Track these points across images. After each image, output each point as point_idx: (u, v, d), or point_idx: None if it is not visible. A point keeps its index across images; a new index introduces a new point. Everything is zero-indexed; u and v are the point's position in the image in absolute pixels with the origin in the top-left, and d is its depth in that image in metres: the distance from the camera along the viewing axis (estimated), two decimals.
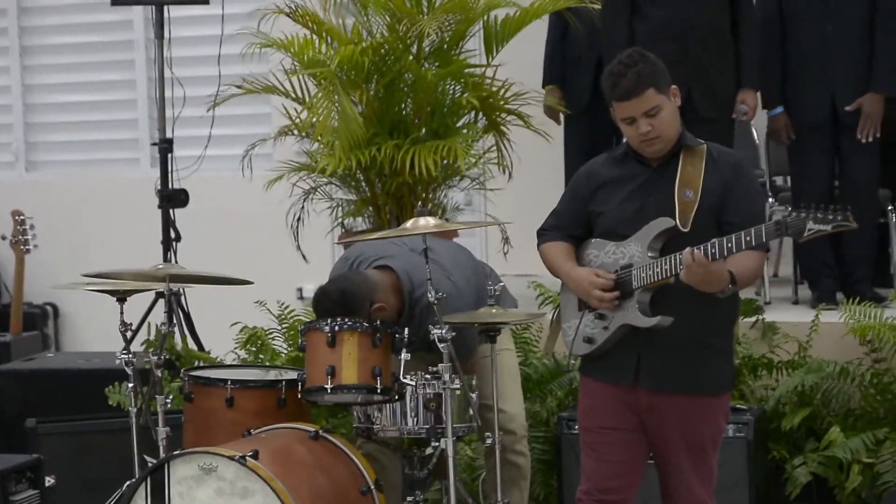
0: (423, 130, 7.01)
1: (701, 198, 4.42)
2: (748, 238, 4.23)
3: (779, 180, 7.74)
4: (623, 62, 4.46)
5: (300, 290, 9.12)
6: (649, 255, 4.43)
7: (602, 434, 4.59)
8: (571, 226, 4.67)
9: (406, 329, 5.14)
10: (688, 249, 4.27)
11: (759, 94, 6.82)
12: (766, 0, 6.89)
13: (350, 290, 5.15)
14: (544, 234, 4.74)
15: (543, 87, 7.48)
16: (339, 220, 7.33)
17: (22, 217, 8.37)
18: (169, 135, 7.83)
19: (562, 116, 7.54)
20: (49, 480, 5.55)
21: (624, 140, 4.63)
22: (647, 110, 4.41)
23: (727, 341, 4.57)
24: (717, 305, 4.40)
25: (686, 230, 4.39)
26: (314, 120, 6.94)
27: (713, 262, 4.25)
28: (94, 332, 9.36)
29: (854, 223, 4.13)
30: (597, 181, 4.61)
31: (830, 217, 4.12)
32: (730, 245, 4.24)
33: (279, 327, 6.73)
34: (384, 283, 5.24)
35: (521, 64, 7.30)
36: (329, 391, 5.08)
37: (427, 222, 5.10)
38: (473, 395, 5.14)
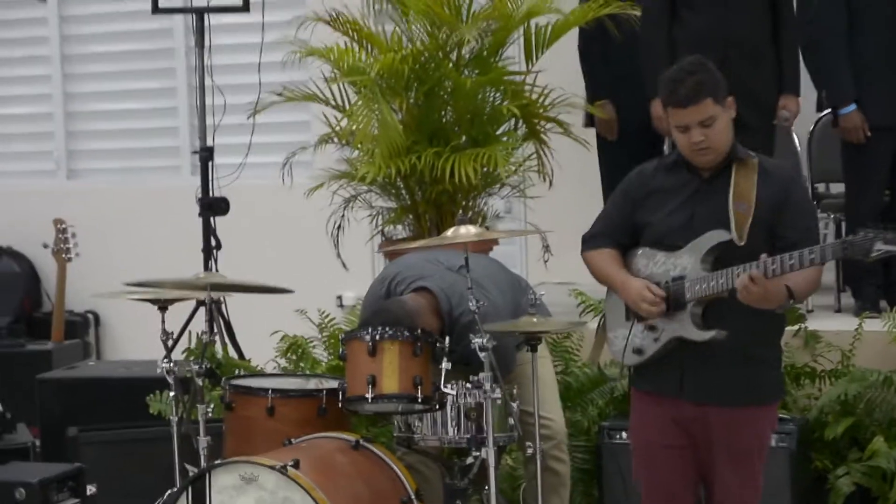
0: (463, 138, 6.98)
1: (755, 211, 4.38)
2: (812, 256, 4.20)
3: (821, 187, 7.68)
4: (684, 69, 4.44)
5: (340, 297, 9.11)
6: (702, 267, 4.41)
7: (651, 451, 4.60)
8: (620, 233, 4.63)
9: (447, 338, 5.13)
10: (746, 273, 4.24)
11: (799, 99, 6.77)
12: None
13: (392, 323, 5.14)
14: (592, 239, 4.69)
15: (591, 102, 7.31)
16: (380, 227, 7.32)
17: (64, 225, 8.41)
18: (210, 143, 7.85)
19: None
20: (90, 489, 5.57)
21: (675, 147, 4.60)
22: (702, 120, 4.39)
23: (774, 351, 4.54)
24: (764, 316, 4.37)
25: (742, 243, 4.36)
26: (354, 128, 6.93)
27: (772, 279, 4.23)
28: (134, 340, 9.38)
29: None
30: (647, 188, 4.58)
31: None
32: (792, 262, 4.21)
33: (319, 336, 6.73)
34: (423, 308, 5.24)
35: (561, 70, 7.27)
36: (370, 400, 5.07)
37: (468, 230, 5.10)
38: (514, 405, 5.13)
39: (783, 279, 4.26)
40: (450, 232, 5.17)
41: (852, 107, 6.70)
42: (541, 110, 7.12)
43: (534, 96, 7.11)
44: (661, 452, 4.56)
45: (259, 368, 6.76)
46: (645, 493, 4.66)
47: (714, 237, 4.40)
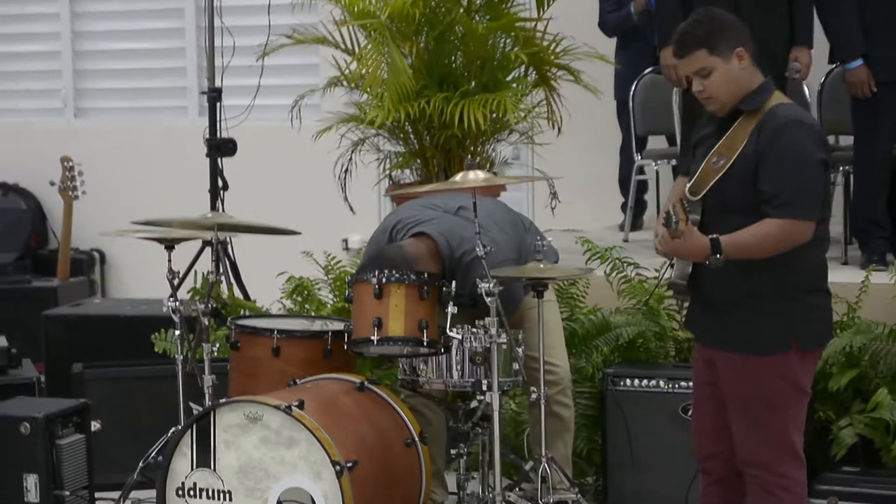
0: (473, 84, 6.97)
1: (733, 165, 4.39)
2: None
3: (831, 140, 7.65)
4: (688, 21, 4.52)
5: (346, 241, 9.12)
6: (693, 215, 4.49)
7: (695, 390, 4.73)
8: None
9: (453, 282, 5.14)
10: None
11: (812, 51, 6.73)
12: None
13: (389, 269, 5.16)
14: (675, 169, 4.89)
15: (665, 46, 7.07)
16: (387, 171, 7.31)
17: (70, 163, 8.41)
18: (218, 84, 7.82)
19: None
20: (95, 425, 5.58)
21: None
22: (696, 70, 4.45)
23: (781, 302, 4.48)
24: (760, 265, 4.37)
25: (695, 198, 4.43)
26: (363, 71, 6.91)
27: (677, 233, 4.27)
28: (139, 279, 9.41)
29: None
30: (696, 138, 4.68)
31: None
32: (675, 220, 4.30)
33: (325, 278, 6.73)
34: (422, 253, 5.24)
35: (572, 18, 7.25)
36: (375, 343, 5.09)
37: (476, 176, 5.09)
38: (519, 350, 5.14)
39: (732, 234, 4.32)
40: (458, 177, 5.16)
41: (859, 61, 6.69)
42: (552, 57, 7.09)
43: (545, 43, 7.09)
44: (698, 389, 4.69)
45: (264, 309, 6.77)
46: (695, 433, 4.74)
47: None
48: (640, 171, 8.06)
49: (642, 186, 8.23)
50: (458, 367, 5.14)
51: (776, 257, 4.39)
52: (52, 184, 8.46)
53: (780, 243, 4.36)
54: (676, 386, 5.70)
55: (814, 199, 4.39)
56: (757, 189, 4.36)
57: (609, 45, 7.86)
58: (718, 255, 4.30)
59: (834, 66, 7.26)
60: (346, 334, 5.26)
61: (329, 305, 6.56)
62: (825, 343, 4.72)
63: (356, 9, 7.02)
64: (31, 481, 5.30)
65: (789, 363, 4.48)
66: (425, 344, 5.08)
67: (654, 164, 7.95)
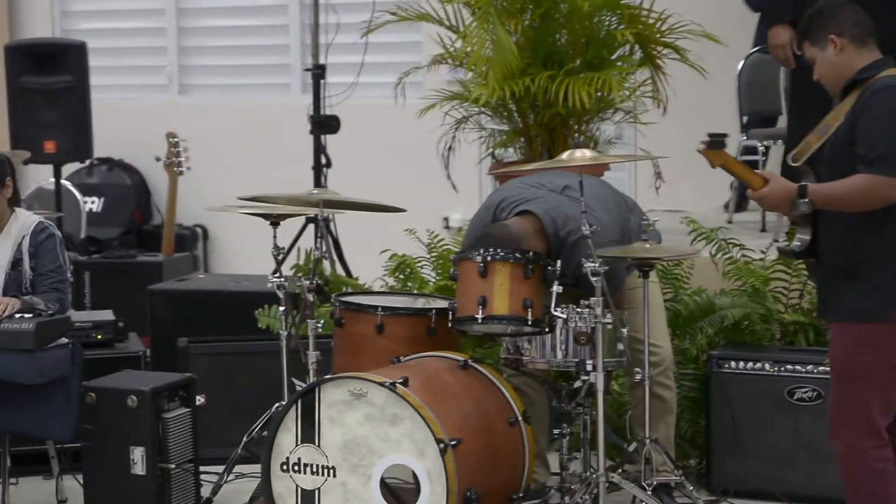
0: (578, 62, 6.91)
1: (833, 135, 4.50)
2: None
3: None
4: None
5: (446, 219, 9.12)
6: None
7: None
8: None
9: (558, 261, 5.11)
10: None
11: None
12: None
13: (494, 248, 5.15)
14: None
15: (773, 25, 6.77)
16: (490, 150, 7.29)
17: (176, 139, 8.46)
18: (321, 61, 7.84)
19: None
20: (199, 399, 5.62)
21: None
22: (808, 58, 4.66)
23: (875, 270, 4.45)
24: (857, 233, 4.43)
25: (795, 164, 4.61)
26: (468, 49, 6.89)
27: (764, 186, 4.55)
28: (240, 254, 9.48)
29: None
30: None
31: None
32: None
33: (427, 255, 6.73)
34: (527, 231, 5.22)
35: None
36: (479, 321, 5.08)
37: (583, 154, 5.07)
38: (624, 331, 5.11)
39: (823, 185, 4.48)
40: (564, 155, 5.15)
41: None
42: (657, 36, 7.02)
43: (650, 21, 7.01)
44: None
45: (366, 287, 6.78)
46: None
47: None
48: (750, 150, 7.96)
49: (750, 167, 8.11)
50: (563, 347, 5.12)
51: (877, 223, 4.43)
52: (158, 159, 8.53)
53: (866, 197, 4.42)
54: (782, 369, 5.65)
55: None
56: (854, 152, 4.43)
57: (719, 25, 7.73)
58: (805, 199, 4.45)
59: None
60: (449, 312, 5.26)
61: (431, 283, 6.56)
62: None
63: None
64: (137, 454, 5.35)
65: (884, 335, 4.47)
66: (529, 323, 5.06)
67: (759, 144, 7.86)
